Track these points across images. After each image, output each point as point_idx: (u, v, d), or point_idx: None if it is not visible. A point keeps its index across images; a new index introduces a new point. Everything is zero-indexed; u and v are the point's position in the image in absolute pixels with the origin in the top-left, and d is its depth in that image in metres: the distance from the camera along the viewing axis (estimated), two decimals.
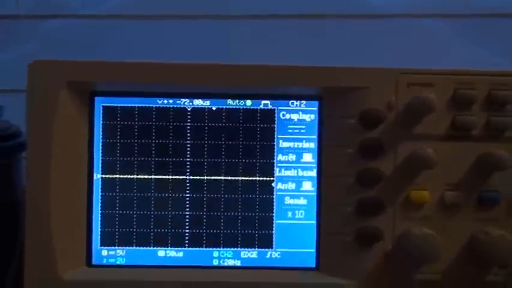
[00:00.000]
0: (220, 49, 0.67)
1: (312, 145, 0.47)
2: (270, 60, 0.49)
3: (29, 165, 0.45)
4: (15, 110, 0.53)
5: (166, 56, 0.66)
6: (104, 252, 0.47)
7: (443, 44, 0.70)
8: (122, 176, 0.47)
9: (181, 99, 0.47)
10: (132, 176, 0.47)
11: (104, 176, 0.47)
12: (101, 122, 0.47)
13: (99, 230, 0.47)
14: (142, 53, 0.67)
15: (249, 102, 0.47)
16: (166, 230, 0.47)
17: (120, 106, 0.47)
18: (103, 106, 0.47)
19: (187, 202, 0.47)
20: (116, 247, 0.47)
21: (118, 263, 0.47)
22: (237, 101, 0.47)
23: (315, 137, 0.47)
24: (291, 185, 0.47)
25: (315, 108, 0.47)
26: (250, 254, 0.47)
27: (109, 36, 0.70)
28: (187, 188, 0.47)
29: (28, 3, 0.71)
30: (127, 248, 0.47)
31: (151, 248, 0.47)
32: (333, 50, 0.67)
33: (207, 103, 0.47)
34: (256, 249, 0.47)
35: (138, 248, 0.47)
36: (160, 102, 0.47)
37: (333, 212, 0.46)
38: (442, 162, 0.44)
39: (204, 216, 0.47)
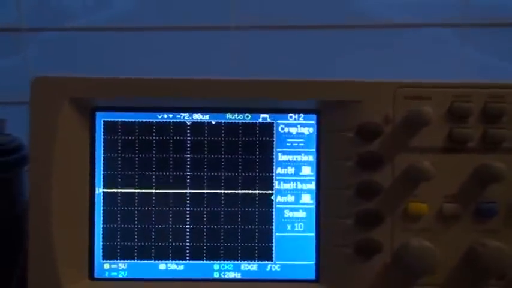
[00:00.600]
0: (220, 61, 0.67)
1: (311, 158, 0.47)
2: (270, 72, 0.49)
3: (32, 179, 0.45)
4: (17, 122, 0.54)
5: (165, 68, 0.67)
6: (106, 266, 0.48)
7: (446, 53, 0.70)
8: (123, 190, 0.47)
9: (181, 114, 0.47)
10: (133, 190, 0.47)
11: (105, 190, 0.47)
12: (102, 137, 0.48)
13: (101, 243, 0.48)
14: (139, 64, 0.68)
15: (247, 116, 0.47)
16: (167, 244, 0.47)
17: (121, 121, 0.47)
18: (104, 121, 0.47)
19: (188, 215, 0.47)
20: (118, 260, 0.48)
21: (120, 276, 0.48)
22: (236, 115, 0.47)
23: (313, 150, 0.47)
24: (290, 198, 0.47)
25: (313, 122, 0.47)
26: (251, 267, 0.48)
27: (107, 47, 0.71)
28: (188, 201, 0.47)
29: (30, 12, 0.72)
30: (128, 261, 0.48)
31: (153, 261, 0.48)
32: (334, 62, 0.68)
33: (206, 117, 0.47)
34: (256, 261, 0.48)
35: (139, 261, 0.48)
36: (160, 117, 0.47)
37: (332, 224, 0.46)
38: (439, 175, 0.44)
39: (205, 230, 0.47)
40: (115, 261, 0.48)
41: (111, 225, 0.47)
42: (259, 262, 0.48)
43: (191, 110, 0.47)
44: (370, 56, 0.69)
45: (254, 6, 0.69)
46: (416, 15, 0.70)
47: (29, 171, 0.47)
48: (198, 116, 0.47)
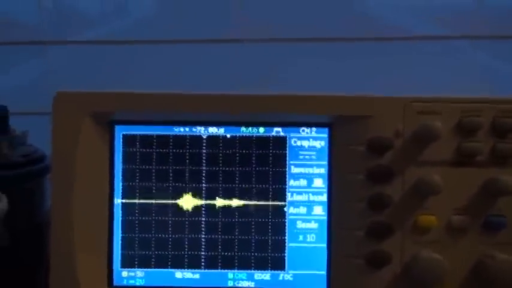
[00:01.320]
0: (233, 73, 0.69)
1: (323, 171, 0.49)
2: (283, 84, 0.51)
3: (54, 190, 0.47)
4: (34, 131, 0.57)
5: (177, 81, 0.69)
6: (124, 274, 0.49)
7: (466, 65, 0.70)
8: (140, 201, 0.49)
9: (197, 127, 0.49)
10: (150, 201, 0.49)
11: (123, 200, 0.49)
12: (121, 149, 0.49)
13: (120, 252, 0.49)
14: (154, 77, 0.70)
15: (261, 130, 0.49)
16: (183, 253, 0.49)
17: (139, 134, 0.49)
18: (123, 134, 0.49)
19: (203, 226, 0.49)
20: (136, 269, 0.49)
21: (138, 284, 0.49)
22: (250, 128, 0.49)
23: (325, 162, 0.49)
24: (303, 209, 0.49)
25: (325, 135, 0.49)
26: (264, 276, 0.49)
27: (123, 60, 0.72)
28: (203, 212, 0.49)
29: (47, 22, 0.74)
30: (146, 269, 0.49)
31: (169, 269, 0.49)
32: (352, 74, 0.68)
33: (221, 131, 0.49)
34: (269, 271, 0.49)
35: (156, 269, 0.49)
36: (176, 130, 0.49)
37: (343, 235, 0.47)
38: (449, 188, 0.45)
39: (219, 240, 0.49)
40: (133, 269, 0.49)
41: (130, 235, 0.49)
42: (272, 271, 0.49)
43: (207, 124, 0.49)
44: (378, 66, 0.70)
45: (266, 19, 0.70)
46: (427, 24, 0.71)
47: (50, 181, 0.49)
48: (213, 130, 0.49)
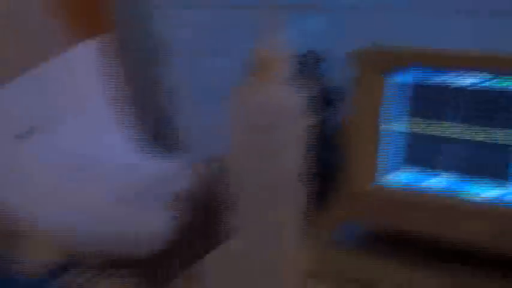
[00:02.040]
0: None
1: None
2: None
3: (347, 118, 0.71)
4: None
5: None
6: (391, 176, 0.70)
7: None
8: (406, 127, 0.69)
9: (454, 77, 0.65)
10: (413, 129, 0.69)
11: (395, 126, 0.69)
12: (394, 92, 0.69)
13: (389, 159, 0.69)
14: None
15: None
16: (434, 165, 0.68)
17: (406, 82, 0.68)
18: (394, 82, 0.69)
19: (459, 151, 0.66)
20: (397, 172, 0.70)
21: (399, 184, 0.69)
22: None
23: None
24: None
25: None
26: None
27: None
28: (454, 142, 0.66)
29: None
30: (405, 173, 0.70)
31: (424, 175, 0.69)
32: None
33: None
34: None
35: (414, 175, 0.69)
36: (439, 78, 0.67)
37: None
38: None
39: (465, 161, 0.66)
40: (395, 172, 0.70)
41: (396, 148, 0.70)
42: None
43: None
44: None
45: None
46: None
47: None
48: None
